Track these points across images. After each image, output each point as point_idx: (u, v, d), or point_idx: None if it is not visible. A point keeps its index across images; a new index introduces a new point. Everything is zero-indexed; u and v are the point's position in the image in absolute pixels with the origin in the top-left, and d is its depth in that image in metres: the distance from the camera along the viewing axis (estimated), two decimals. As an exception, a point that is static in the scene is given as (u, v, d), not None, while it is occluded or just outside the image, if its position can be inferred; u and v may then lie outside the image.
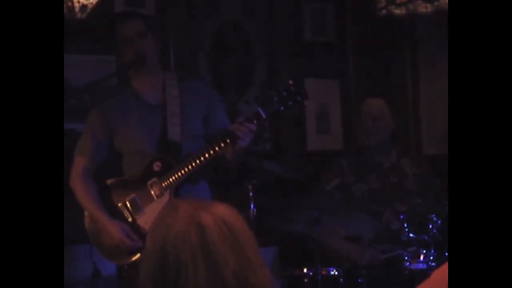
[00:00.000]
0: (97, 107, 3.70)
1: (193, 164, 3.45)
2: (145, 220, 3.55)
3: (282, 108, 3.42)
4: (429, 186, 4.42)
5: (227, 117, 3.71)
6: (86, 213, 3.66)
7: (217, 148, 3.41)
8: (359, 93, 5.31)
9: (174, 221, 1.70)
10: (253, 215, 3.81)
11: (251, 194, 3.84)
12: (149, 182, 3.55)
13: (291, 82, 3.45)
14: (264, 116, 3.41)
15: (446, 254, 3.83)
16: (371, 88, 5.25)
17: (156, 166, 3.54)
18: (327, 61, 5.36)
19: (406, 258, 3.90)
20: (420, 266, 3.88)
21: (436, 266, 3.68)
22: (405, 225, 3.99)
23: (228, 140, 3.38)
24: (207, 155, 3.42)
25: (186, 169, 3.46)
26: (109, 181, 3.66)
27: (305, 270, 3.99)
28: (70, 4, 3.96)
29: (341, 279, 3.94)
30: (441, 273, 1.86)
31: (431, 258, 3.86)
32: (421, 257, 3.89)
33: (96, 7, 4.04)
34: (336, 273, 3.97)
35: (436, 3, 4.38)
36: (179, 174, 3.48)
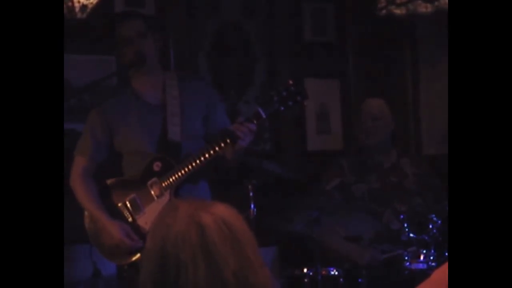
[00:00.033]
0: (97, 107, 3.70)
1: (193, 164, 3.45)
2: (145, 220, 3.55)
3: (282, 108, 3.42)
4: (429, 186, 4.42)
5: (227, 117, 3.71)
6: (86, 213, 3.66)
7: (217, 148, 3.41)
8: (359, 93, 5.31)
9: (174, 221, 1.70)
10: (253, 215, 3.81)
11: (251, 194, 3.84)
12: (149, 182, 3.55)
13: (291, 82, 3.45)
14: (264, 116, 3.41)
15: (446, 254, 3.83)
16: (371, 88, 5.25)
17: (156, 166, 3.54)
18: (327, 61, 5.36)
19: (406, 258, 3.90)
20: (420, 266, 3.88)
21: (436, 266, 3.67)
22: (405, 225, 3.99)
23: (228, 140, 3.38)
24: (207, 155, 3.42)
25: (186, 169, 3.46)
26: (109, 181, 3.66)
27: (305, 270, 3.99)
28: (70, 4, 3.96)
29: (341, 279, 3.94)
30: (441, 273, 1.86)
31: (431, 258, 3.86)
32: (421, 257, 3.89)
33: (96, 7, 4.04)
34: (336, 273, 3.97)
35: (436, 3, 4.38)
36: (179, 174, 3.48)
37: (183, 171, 3.47)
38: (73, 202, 3.57)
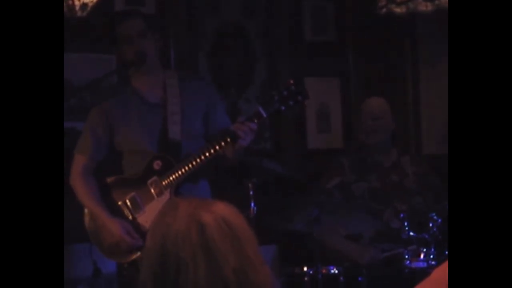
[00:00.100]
0: (98, 106, 3.70)
1: (194, 163, 3.45)
2: (145, 218, 3.55)
3: (283, 108, 3.42)
4: (429, 186, 4.42)
5: (227, 117, 3.71)
6: (85, 211, 3.66)
7: (217, 147, 3.41)
8: (359, 92, 5.31)
9: (174, 220, 1.70)
10: (253, 213, 3.81)
11: (251, 193, 3.84)
12: (149, 181, 3.55)
13: (292, 81, 3.45)
14: (265, 115, 3.41)
15: (446, 252, 3.83)
16: (371, 87, 5.25)
17: (157, 165, 3.54)
18: (327, 60, 5.36)
19: (406, 256, 3.91)
20: (420, 264, 3.88)
21: (436, 265, 3.68)
22: (405, 223, 3.99)
23: (228, 139, 3.39)
24: (207, 154, 3.43)
25: (187, 168, 3.47)
26: (109, 180, 3.66)
27: (305, 269, 3.99)
28: (70, 2, 3.96)
29: (341, 278, 3.94)
30: (441, 272, 1.86)
31: (431, 256, 3.86)
32: (421, 256, 3.89)
33: (96, 5, 4.04)
34: (336, 271, 3.98)
35: (436, 2, 4.37)
36: (179, 173, 3.48)
37: (183, 170, 3.47)
38: (73, 201, 3.58)
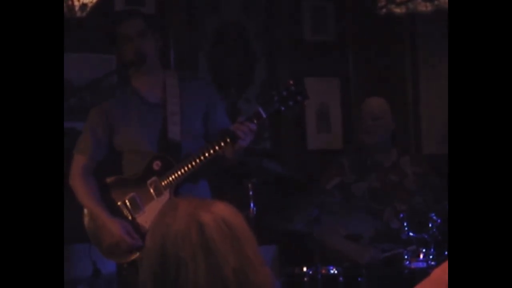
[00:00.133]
0: (97, 106, 3.70)
1: (193, 163, 3.45)
2: (145, 219, 3.55)
3: (283, 108, 3.42)
4: (429, 186, 4.42)
5: (227, 117, 3.71)
6: (85, 211, 3.66)
7: (217, 148, 3.41)
8: (359, 92, 5.31)
9: (174, 220, 1.70)
10: (253, 214, 3.81)
11: (251, 193, 3.84)
12: (149, 181, 3.55)
13: (291, 82, 3.45)
14: (264, 115, 3.41)
15: (446, 253, 3.83)
16: (371, 87, 5.25)
17: (156, 165, 3.54)
18: (327, 60, 5.36)
19: (406, 257, 3.91)
20: (420, 264, 3.88)
21: (435, 265, 3.68)
22: (405, 224, 3.99)
23: (228, 140, 3.39)
24: (207, 154, 3.43)
25: (186, 168, 3.47)
26: (108, 180, 3.66)
27: (305, 269, 3.99)
28: (70, 3, 3.96)
29: (341, 278, 3.94)
30: (441, 272, 1.86)
31: (431, 257, 3.86)
32: (421, 256, 3.89)
33: (96, 5, 4.04)
34: (336, 271, 3.98)
35: (436, 2, 4.37)
36: (179, 173, 3.48)
37: (183, 170, 3.47)
38: (73, 202, 3.57)
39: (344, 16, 5.42)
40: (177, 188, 3.51)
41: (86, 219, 3.66)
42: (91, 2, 3.99)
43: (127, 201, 3.60)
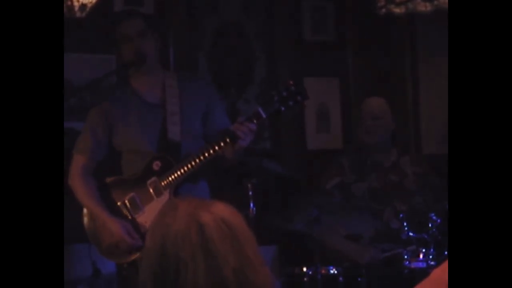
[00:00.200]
0: (97, 106, 3.70)
1: (193, 163, 3.45)
2: (145, 219, 3.55)
3: (283, 108, 3.42)
4: (429, 186, 4.42)
5: (227, 117, 3.71)
6: (84, 211, 3.66)
7: (217, 148, 3.41)
8: (359, 92, 5.31)
9: (174, 220, 1.70)
10: (253, 214, 3.81)
11: (250, 193, 3.84)
12: (149, 181, 3.55)
13: (291, 82, 3.45)
14: (264, 116, 3.41)
15: (446, 253, 3.83)
16: (371, 87, 5.25)
17: (156, 165, 3.54)
18: (326, 60, 5.36)
19: (405, 257, 3.91)
20: (420, 264, 3.88)
21: (435, 265, 3.68)
22: (405, 224, 3.99)
23: (228, 140, 3.39)
24: (206, 155, 3.43)
25: (186, 169, 3.47)
26: (108, 180, 3.66)
27: (305, 269, 3.99)
28: (69, 3, 3.96)
29: (341, 278, 3.94)
30: (441, 272, 1.86)
31: (431, 257, 3.86)
32: (421, 256, 3.89)
33: (96, 6, 4.04)
34: (336, 271, 3.98)
35: (435, 2, 4.38)
36: (179, 173, 3.48)
37: (182, 171, 3.47)
38: (73, 202, 3.57)
39: (344, 16, 5.42)
40: (176, 188, 3.51)
41: (85, 219, 3.66)
42: (90, 2, 3.99)
43: (126, 201, 3.60)
